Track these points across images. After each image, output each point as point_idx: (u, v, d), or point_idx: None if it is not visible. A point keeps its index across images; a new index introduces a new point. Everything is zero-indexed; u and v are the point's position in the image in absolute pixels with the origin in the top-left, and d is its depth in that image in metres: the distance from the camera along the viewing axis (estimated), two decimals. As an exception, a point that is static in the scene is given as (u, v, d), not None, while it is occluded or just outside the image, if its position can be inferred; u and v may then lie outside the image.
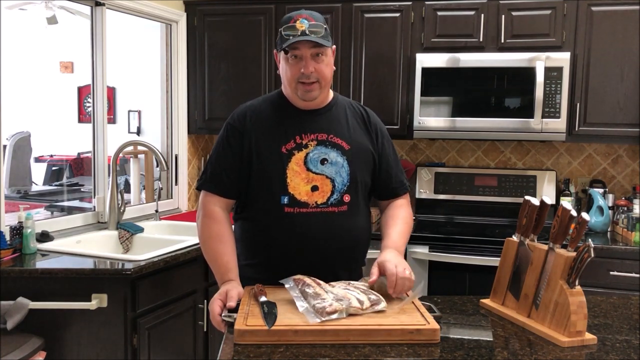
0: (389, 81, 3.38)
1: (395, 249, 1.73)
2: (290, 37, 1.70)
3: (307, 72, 1.73)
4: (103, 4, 3.07)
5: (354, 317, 1.45)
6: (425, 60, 3.24)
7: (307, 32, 1.69)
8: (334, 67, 1.84)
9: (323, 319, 1.42)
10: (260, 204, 1.80)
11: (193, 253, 2.64)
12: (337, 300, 1.47)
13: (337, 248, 1.78)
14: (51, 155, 6.42)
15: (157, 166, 3.82)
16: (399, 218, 1.89)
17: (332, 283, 1.62)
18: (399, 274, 1.59)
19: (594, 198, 3.28)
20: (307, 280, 1.56)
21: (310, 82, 1.75)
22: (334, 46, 1.83)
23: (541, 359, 1.34)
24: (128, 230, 2.99)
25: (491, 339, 1.51)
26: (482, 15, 3.23)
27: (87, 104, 6.62)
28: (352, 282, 1.67)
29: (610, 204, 3.30)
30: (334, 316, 1.43)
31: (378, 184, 1.91)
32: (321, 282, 1.59)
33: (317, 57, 1.74)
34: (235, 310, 1.52)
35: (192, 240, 2.73)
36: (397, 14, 3.34)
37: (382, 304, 1.54)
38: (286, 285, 1.57)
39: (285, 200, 1.75)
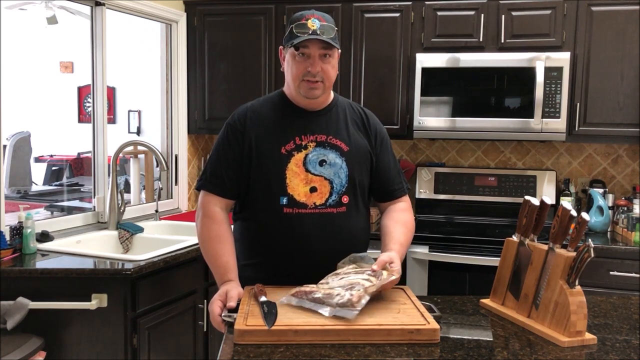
0: (389, 81, 3.38)
1: (397, 253, 1.71)
2: (301, 35, 1.70)
3: (314, 71, 1.74)
4: (103, 4, 3.07)
5: (355, 318, 1.45)
6: (425, 60, 3.24)
7: (318, 31, 1.70)
8: (337, 71, 1.85)
9: (358, 308, 1.41)
10: (259, 205, 1.80)
11: (193, 253, 2.64)
12: (350, 289, 1.46)
13: (336, 249, 1.78)
14: (51, 155, 6.42)
15: (157, 166, 3.82)
16: (401, 222, 1.87)
17: (320, 282, 1.59)
18: (388, 267, 1.60)
19: (594, 198, 3.28)
20: (305, 288, 1.54)
21: (315, 81, 1.75)
22: (339, 50, 1.84)
23: (541, 359, 1.34)
24: (128, 230, 2.99)
25: (491, 339, 1.51)
26: (482, 15, 3.23)
27: (87, 104, 6.62)
28: (336, 272, 1.64)
29: (610, 204, 3.30)
30: (363, 302, 1.43)
31: (377, 186, 1.91)
32: (313, 285, 1.57)
33: (325, 57, 1.75)
34: (235, 310, 1.52)
35: (192, 240, 2.73)
36: (397, 14, 3.34)
37: (385, 273, 1.55)
38: (293, 303, 1.52)
39: (284, 201, 1.75)
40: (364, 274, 1.55)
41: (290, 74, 1.79)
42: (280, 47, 1.85)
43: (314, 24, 1.71)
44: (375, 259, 1.63)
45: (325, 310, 1.45)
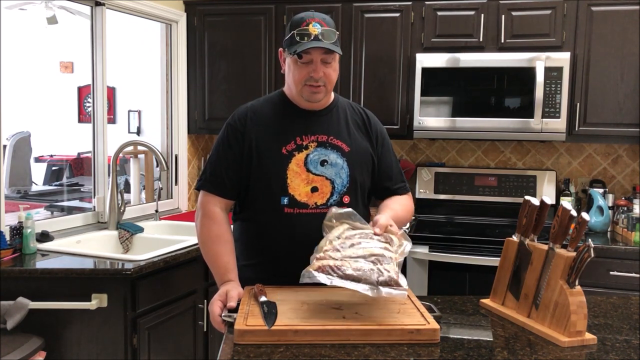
0: (389, 81, 3.38)
1: (390, 217, 1.70)
2: (303, 41, 1.69)
3: (317, 77, 1.73)
4: (103, 4, 3.07)
5: (355, 318, 1.45)
6: (425, 60, 3.24)
7: (319, 37, 1.69)
8: (338, 71, 1.85)
9: (405, 287, 1.42)
10: (260, 205, 1.80)
11: (193, 253, 2.64)
12: (377, 263, 1.45)
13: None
14: (51, 155, 6.42)
15: (157, 166, 3.82)
16: (398, 202, 1.90)
17: (325, 249, 1.52)
18: (389, 228, 1.61)
19: (594, 198, 3.28)
20: (328, 261, 1.46)
21: (317, 85, 1.75)
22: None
23: (541, 359, 1.34)
24: (128, 230, 2.99)
25: (491, 339, 1.51)
26: (482, 15, 3.23)
27: (87, 104, 6.62)
28: (336, 235, 1.57)
29: (610, 204, 3.30)
30: (404, 279, 1.44)
31: (378, 186, 1.92)
32: (333, 256, 1.48)
33: (327, 62, 1.74)
34: (235, 310, 1.52)
35: (192, 240, 2.72)
36: (397, 14, 3.34)
37: (394, 238, 1.56)
38: (326, 282, 1.41)
39: (285, 201, 1.75)
40: (373, 239, 1.54)
41: (292, 78, 1.79)
42: (280, 49, 1.84)
43: (315, 28, 1.70)
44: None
45: (366, 289, 1.41)
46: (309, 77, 1.74)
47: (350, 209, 1.67)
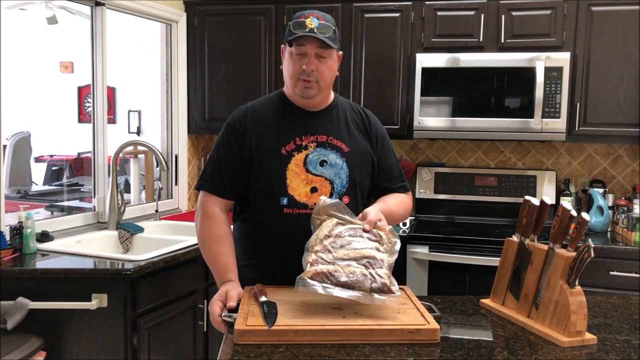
0: (389, 81, 3.38)
1: (381, 210, 1.70)
2: (298, 32, 1.70)
3: (308, 70, 1.73)
4: (103, 4, 3.07)
5: (355, 318, 1.45)
6: (425, 60, 3.24)
7: (315, 30, 1.70)
8: (337, 73, 1.84)
9: (397, 293, 1.44)
10: (259, 205, 1.80)
11: (193, 253, 2.64)
12: (369, 267, 1.46)
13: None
14: (51, 155, 6.42)
15: (157, 166, 3.82)
16: (395, 198, 1.90)
17: (316, 249, 1.52)
18: (378, 224, 1.61)
19: (594, 198, 3.28)
20: (322, 268, 1.47)
21: (309, 80, 1.75)
22: (340, 52, 1.83)
23: (541, 359, 1.34)
24: (128, 230, 2.99)
25: (491, 339, 1.51)
26: (482, 15, 3.23)
27: (87, 104, 6.62)
28: (326, 234, 1.56)
29: (610, 204, 3.30)
30: (395, 283, 1.46)
31: (378, 186, 1.92)
32: (325, 258, 1.50)
33: (321, 57, 1.74)
34: (235, 310, 1.52)
35: (192, 240, 2.72)
36: (397, 14, 3.34)
37: (383, 235, 1.56)
38: (320, 291, 1.44)
39: (285, 201, 1.75)
40: (363, 236, 1.54)
41: (287, 72, 1.80)
42: (282, 45, 1.85)
43: (312, 22, 1.71)
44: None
45: (359, 297, 1.43)
46: (302, 71, 1.74)
47: (337, 200, 1.67)
